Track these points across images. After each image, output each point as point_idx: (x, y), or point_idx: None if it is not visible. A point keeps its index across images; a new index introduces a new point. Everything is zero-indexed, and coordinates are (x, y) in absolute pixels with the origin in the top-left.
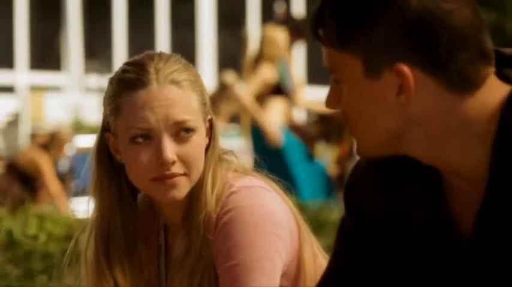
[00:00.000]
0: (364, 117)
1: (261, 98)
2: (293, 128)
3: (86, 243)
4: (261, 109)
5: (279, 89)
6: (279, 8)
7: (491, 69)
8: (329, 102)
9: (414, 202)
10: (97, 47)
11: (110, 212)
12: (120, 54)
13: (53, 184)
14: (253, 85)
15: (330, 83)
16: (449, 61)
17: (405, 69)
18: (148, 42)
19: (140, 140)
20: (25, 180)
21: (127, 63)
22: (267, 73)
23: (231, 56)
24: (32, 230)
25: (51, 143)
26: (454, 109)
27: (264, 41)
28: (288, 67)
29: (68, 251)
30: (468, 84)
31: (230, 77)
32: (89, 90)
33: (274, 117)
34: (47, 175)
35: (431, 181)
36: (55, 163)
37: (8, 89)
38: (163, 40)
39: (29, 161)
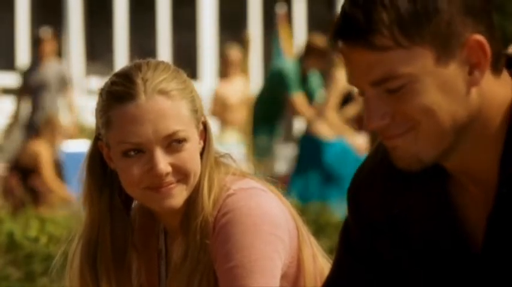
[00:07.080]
0: (434, 111)
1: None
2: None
3: (73, 252)
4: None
5: None
6: (280, 10)
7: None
8: (377, 118)
9: (420, 206)
10: (98, 49)
11: (99, 221)
12: (121, 57)
13: (47, 172)
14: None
15: (370, 101)
16: (497, 32)
17: (480, 38)
18: (150, 45)
19: (132, 153)
20: (27, 177)
21: (115, 75)
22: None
23: None
24: (33, 232)
25: (44, 131)
26: (491, 93)
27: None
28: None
29: (59, 253)
30: (500, 63)
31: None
32: (90, 92)
33: None
34: (44, 163)
35: (438, 184)
36: (54, 151)
37: (10, 91)
38: (164, 43)
39: (29, 153)
